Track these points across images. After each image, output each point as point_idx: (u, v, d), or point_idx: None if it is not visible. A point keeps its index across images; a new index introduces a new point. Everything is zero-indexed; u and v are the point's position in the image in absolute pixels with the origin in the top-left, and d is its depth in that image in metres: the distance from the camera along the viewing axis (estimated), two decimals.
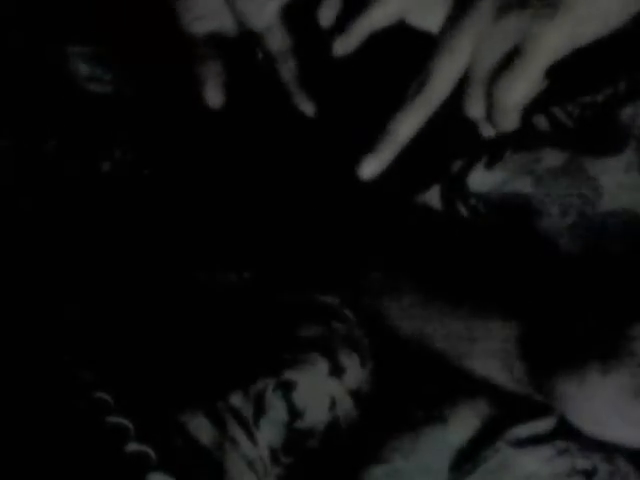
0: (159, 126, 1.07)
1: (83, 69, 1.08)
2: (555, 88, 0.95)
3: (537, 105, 0.94)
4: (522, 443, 0.86)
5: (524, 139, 0.97)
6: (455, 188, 0.98)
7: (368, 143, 0.94)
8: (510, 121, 0.90)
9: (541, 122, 0.98)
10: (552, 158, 0.94)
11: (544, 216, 0.93)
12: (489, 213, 0.96)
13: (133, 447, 0.81)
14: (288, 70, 1.04)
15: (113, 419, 0.82)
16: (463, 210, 0.97)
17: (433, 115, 0.93)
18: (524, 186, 0.95)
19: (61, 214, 0.99)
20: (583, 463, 0.85)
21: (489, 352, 0.89)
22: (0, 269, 0.93)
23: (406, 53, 0.99)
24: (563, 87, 0.97)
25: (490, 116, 0.90)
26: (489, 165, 0.96)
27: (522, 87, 0.88)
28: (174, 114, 1.08)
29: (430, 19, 0.95)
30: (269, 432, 0.89)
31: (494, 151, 0.97)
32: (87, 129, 1.05)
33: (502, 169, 0.96)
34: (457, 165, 0.98)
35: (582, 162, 0.93)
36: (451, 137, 0.99)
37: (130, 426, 0.82)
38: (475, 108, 0.91)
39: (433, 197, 0.99)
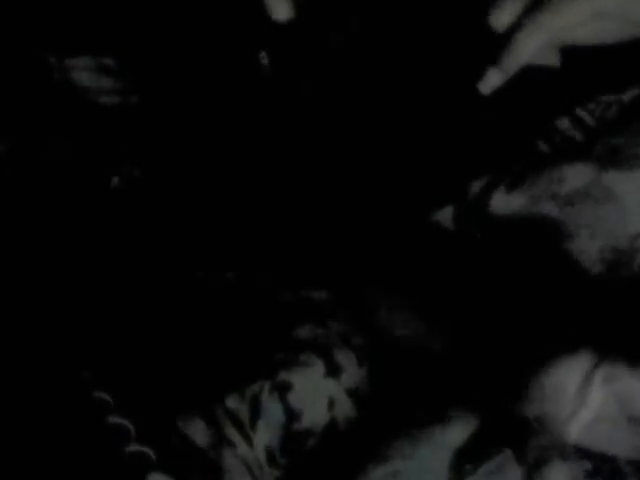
0: (164, 136, 1.06)
1: (86, 80, 1.07)
2: (580, 89, 0.95)
3: (561, 106, 0.94)
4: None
5: (545, 157, 0.96)
6: (473, 210, 0.97)
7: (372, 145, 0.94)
8: (516, 58, 0.84)
9: (564, 124, 0.97)
10: (575, 178, 0.93)
11: (573, 239, 0.92)
12: (512, 236, 0.95)
13: (133, 447, 0.81)
14: None
15: (113, 419, 0.81)
16: (477, 233, 0.97)
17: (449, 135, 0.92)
18: (550, 210, 0.94)
19: (65, 222, 0.98)
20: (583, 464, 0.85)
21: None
22: (3, 273, 0.92)
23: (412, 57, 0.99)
24: (588, 88, 0.96)
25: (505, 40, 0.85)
26: (511, 188, 0.95)
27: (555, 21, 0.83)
28: (177, 122, 1.07)
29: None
30: (266, 434, 0.88)
31: (515, 173, 0.96)
32: (95, 143, 1.04)
33: (524, 192, 0.95)
34: (475, 187, 0.97)
35: (606, 180, 0.92)
36: (467, 157, 0.98)
37: (130, 427, 0.81)
38: (498, 19, 0.86)
39: (446, 217, 0.98)
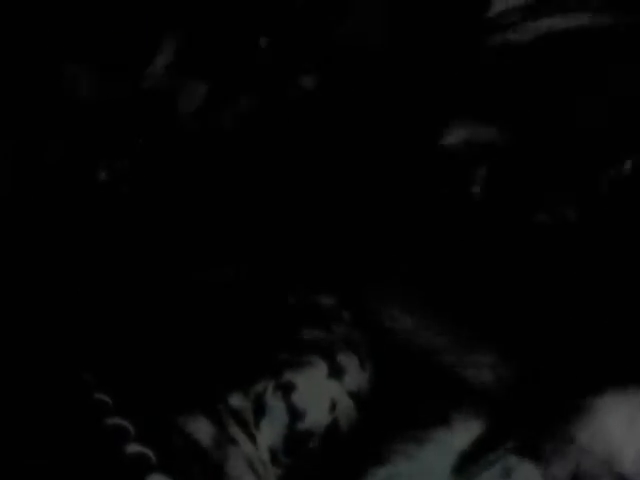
0: (156, 132, 1.04)
1: (82, 83, 1.05)
2: (553, 176, 0.94)
3: (537, 199, 0.93)
4: (524, 451, 0.86)
5: None
6: None
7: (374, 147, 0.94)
8: None
9: (542, 218, 0.96)
10: None
11: None
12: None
13: (133, 448, 0.81)
14: None
15: (113, 420, 0.81)
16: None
17: None
18: None
19: (59, 220, 0.98)
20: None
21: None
22: (1, 275, 0.93)
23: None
24: (561, 173, 0.95)
25: None
26: None
27: None
28: (170, 119, 1.05)
29: None
30: (269, 433, 0.88)
31: None
32: (84, 138, 1.02)
33: None
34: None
35: None
36: None
37: (130, 427, 0.81)
38: None
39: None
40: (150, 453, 0.81)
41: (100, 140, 1.03)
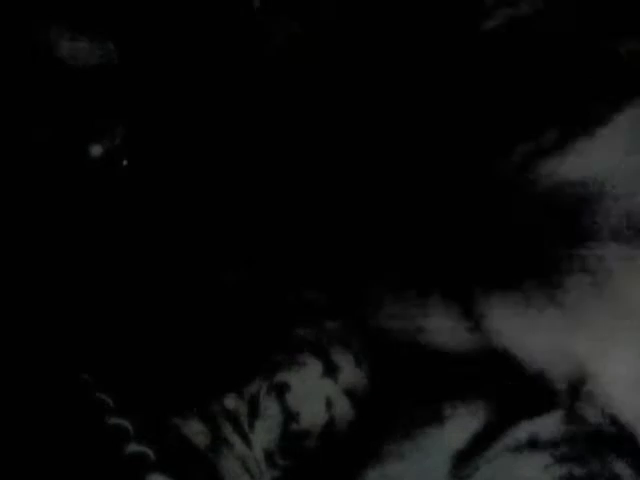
0: (152, 109, 1.01)
1: (64, 45, 1.01)
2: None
3: None
4: (521, 448, 0.86)
5: None
6: None
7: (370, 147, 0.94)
8: None
9: None
10: None
11: None
12: None
13: (133, 448, 0.80)
14: None
15: (113, 420, 0.81)
16: None
17: None
18: None
19: (53, 207, 0.96)
20: (580, 470, 0.85)
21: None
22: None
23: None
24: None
25: None
26: None
27: None
28: (171, 101, 1.02)
29: None
30: (264, 434, 0.88)
31: None
32: (76, 111, 0.99)
33: None
34: None
35: None
36: None
37: (129, 427, 0.81)
38: None
39: None
40: (149, 452, 0.80)
41: (91, 109, 0.98)
